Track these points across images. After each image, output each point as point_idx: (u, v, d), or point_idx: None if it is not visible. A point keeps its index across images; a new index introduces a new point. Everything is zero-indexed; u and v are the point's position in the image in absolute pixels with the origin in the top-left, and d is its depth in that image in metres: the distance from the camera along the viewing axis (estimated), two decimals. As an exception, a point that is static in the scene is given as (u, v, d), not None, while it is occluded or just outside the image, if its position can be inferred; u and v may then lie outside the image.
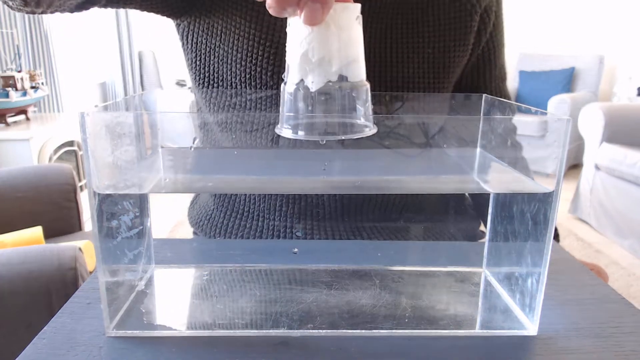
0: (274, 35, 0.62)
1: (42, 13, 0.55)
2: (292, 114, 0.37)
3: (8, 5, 0.54)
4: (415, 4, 0.65)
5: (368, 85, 0.38)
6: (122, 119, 0.41)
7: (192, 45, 0.67)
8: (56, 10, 0.55)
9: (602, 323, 0.43)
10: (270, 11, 0.33)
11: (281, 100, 0.38)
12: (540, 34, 4.24)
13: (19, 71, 2.32)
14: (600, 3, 4.01)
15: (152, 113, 0.44)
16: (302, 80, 0.36)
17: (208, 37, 0.65)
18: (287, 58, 0.37)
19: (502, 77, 0.76)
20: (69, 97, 2.92)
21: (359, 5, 0.36)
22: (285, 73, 0.37)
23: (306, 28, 0.34)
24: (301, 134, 0.37)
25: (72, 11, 0.56)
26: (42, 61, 2.65)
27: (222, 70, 0.65)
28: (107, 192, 0.39)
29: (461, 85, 0.73)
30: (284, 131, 0.38)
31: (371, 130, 0.39)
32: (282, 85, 0.38)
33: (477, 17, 0.68)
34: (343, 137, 0.38)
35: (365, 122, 0.38)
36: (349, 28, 0.35)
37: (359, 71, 0.37)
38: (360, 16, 0.36)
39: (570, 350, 0.39)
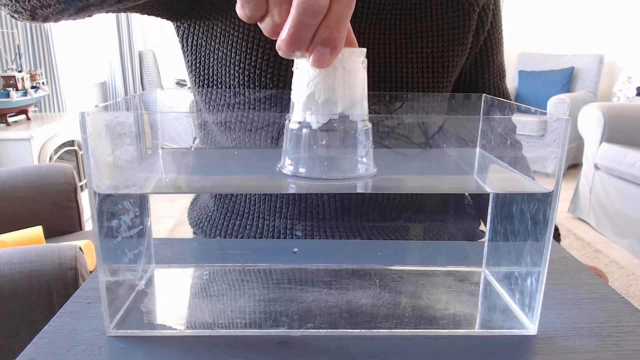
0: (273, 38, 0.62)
1: (45, 22, 0.56)
2: (294, 152, 0.39)
3: (14, 17, 0.55)
4: (413, 4, 0.66)
5: (370, 126, 0.39)
6: (123, 119, 0.41)
7: (191, 48, 0.68)
8: (61, 20, 0.55)
9: (601, 322, 0.43)
10: (280, 53, 0.34)
11: (284, 138, 0.39)
12: (540, 34, 4.24)
13: (20, 71, 2.32)
14: (600, 3, 4.01)
15: (152, 113, 0.44)
16: (305, 119, 0.37)
17: (207, 39, 0.65)
18: (292, 97, 0.38)
19: (501, 75, 0.76)
20: (69, 96, 2.92)
21: (364, 50, 0.37)
22: (290, 111, 0.38)
23: (314, 70, 0.35)
24: (303, 172, 0.39)
25: (75, 19, 0.56)
26: (43, 61, 2.65)
27: (222, 72, 0.65)
28: (108, 192, 0.39)
29: (460, 84, 0.74)
30: (286, 169, 0.39)
31: (371, 170, 0.40)
32: (286, 122, 0.39)
33: (475, 16, 0.68)
34: (344, 177, 0.39)
35: (366, 161, 0.40)
36: (355, 71, 0.37)
37: (361, 112, 0.38)
38: (366, 60, 0.38)
39: (569, 350, 0.39)
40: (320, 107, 0.36)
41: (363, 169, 0.40)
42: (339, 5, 0.32)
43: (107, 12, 0.57)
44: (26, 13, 0.54)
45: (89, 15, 0.56)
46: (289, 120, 0.38)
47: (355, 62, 0.36)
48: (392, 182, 0.44)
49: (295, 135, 0.38)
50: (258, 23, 0.34)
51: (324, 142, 0.37)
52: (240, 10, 0.33)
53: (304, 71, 0.36)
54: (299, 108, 0.37)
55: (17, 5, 0.52)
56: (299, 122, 0.37)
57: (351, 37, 0.37)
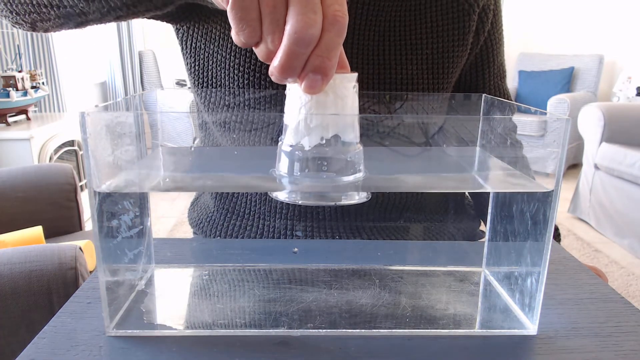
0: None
1: (45, 32, 0.57)
2: (287, 174, 0.39)
3: (15, 27, 0.57)
4: (413, 6, 0.66)
5: (361, 148, 0.40)
6: (123, 119, 0.41)
7: (191, 50, 0.68)
8: (61, 31, 0.57)
9: (601, 322, 0.43)
10: (272, 78, 0.35)
11: (277, 161, 0.40)
12: (540, 34, 4.24)
13: (20, 71, 2.32)
14: (600, 3, 4.01)
15: (152, 113, 0.44)
16: (298, 142, 0.38)
17: (207, 42, 0.66)
18: (284, 120, 0.38)
19: (501, 75, 0.76)
20: (69, 96, 2.92)
21: (355, 75, 0.38)
22: (282, 134, 0.39)
23: (305, 95, 0.36)
24: (296, 197, 0.40)
25: (75, 29, 0.58)
26: (43, 61, 2.65)
27: (221, 75, 0.65)
28: (108, 191, 0.39)
29: (460, 84, 0.73)
30: (280, 194, 0.40)
31: (364, 193, 0.41)
32: (279, 144, 0.39)
33: (475, 17, 0.68)
34: (336, 204, 0.40)
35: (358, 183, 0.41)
36: (346, 96, 0.37)
37: (353, 134, 0.38)
38: (357, 84, 0.38)
39: (569, 350, 0.40)
40: (312, 131, 0.37)
41: (354, 192, 0.41)
42: (330, 35, 0.33)
43: (112, 20, 0.58)
44: (27, 25, 0.55)
45: (90, 25, 0.57)
46: (282, 142, 0.39)
47: (346, 87, 0.37)
48: (391, 181, 0.44)
49: (287, 158, 0.39)
50: (253, 48, 0.35)
51: (317, 165, 0.38)
52: (235, 36, 0.34)
53: (295, 96, 0.37)
54: (291, 132, 0.38)
55: (18, 17, 0.54)
56: (291, 146, 0.38)
57: (343, 61, 0.38)
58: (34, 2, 0.51)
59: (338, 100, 0.36)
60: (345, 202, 0.40)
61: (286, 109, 0.38)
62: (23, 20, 0.54)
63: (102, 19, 0.52)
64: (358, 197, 0.41)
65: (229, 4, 0.33)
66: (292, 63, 0.33)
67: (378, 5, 0.64)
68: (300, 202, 0.40)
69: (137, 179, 0.44)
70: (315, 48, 0.33)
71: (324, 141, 0.37)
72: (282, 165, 0.39)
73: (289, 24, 0.32)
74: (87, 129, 0.35)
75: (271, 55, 0.34)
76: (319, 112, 0.36)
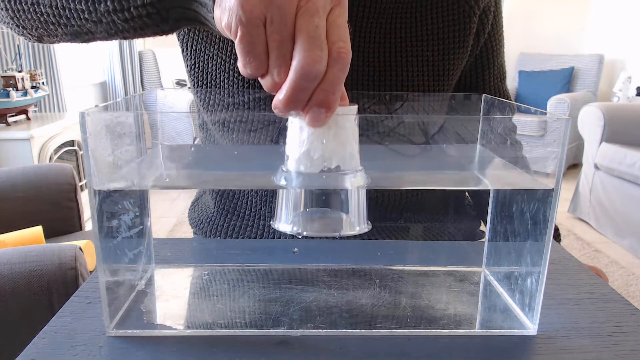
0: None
1: (51, 44, 0.58)
2: (288, 206, 0.40)
3: (21, 37, 0.58)
4: (414, 8, 0.66)
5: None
6: (123, 119, 0.42)
7: (191, 52, 0.68)
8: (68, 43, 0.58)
9: (601, 322, 0.43)
10: (275, 111, 0.35)
11: (278, 193, 0.41)
12: (540, 34, 4.24)
13: (20, 71, 2.32)
14: (600, 3, 4.01)
15: (152, 113, 0.44)
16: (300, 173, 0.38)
17: (207, 44, 0.66)
18: (286, 151, 0.39)
19: (501, 77, 0.76)
20: (69, 96, 2.92)
21: (355, 107, 0.39)
22: (284, 164, 0.39)
23: (307, 127, 0.37)
24: (297, 229, 0.41)
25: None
26: (43, 61, 2.65)
27: (221, 77, 0.65)
28: (109, 189, 0.39)
29: (460, 85, 0.73)
30: (282, 226, 0.40)
31: (363, 224, 0.42)
32: (280, 170, 0.40)
33: (476, 19, 0.68)
34: (340, 235, 0.41)
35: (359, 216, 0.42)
36: (348, 128, 0.38)
37: (354, 164, 0.39)
38: (357, 116, 0.39)
39: (569, 350, 0.40)
40: (315, 163, 0.38)
41: (355, 225, 0.41)
42: (334, 70, 0.34)
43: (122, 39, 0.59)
44: (33, 38, 0.57)
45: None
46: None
47: (348, 119, 0.38)
48: (391, 179, 0.44)
49: (289, 190, 0.39)
50: (259, 79, 0.36)
51: (318, 197, 0.39)
52: (242, 68, 0.35)
53: (298, 128, 0.37)
54: (292, 163, 0.38)
55: (25, 31, 0.55)
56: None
57: (343, 94, 0.39)
58: (42, 19, 0.52)
59: (340, 132, 0.37)
60: (347, 233, 0.41)
61: (288, 140, 0.39)
62: (30, 34, 0.55)
63: (108, 37, 0.54)
64: (359, 228, 0.41)
65: (237, 37, 0.34)
66: (297, 96, 0.34)
67: (379, 7, 0.64)
68: (304, 234, 0.40)
69: (137, 178, 0.44)
70: (320, 83, 0.34)
71: (324, 172, 0.37)
72: (285, 197, 0.40)
73: (296, 59, 0.33)
74: (87, 129, 0.35)
75: (277, 86, 0.35)
76: (321, 144, 0.37)
